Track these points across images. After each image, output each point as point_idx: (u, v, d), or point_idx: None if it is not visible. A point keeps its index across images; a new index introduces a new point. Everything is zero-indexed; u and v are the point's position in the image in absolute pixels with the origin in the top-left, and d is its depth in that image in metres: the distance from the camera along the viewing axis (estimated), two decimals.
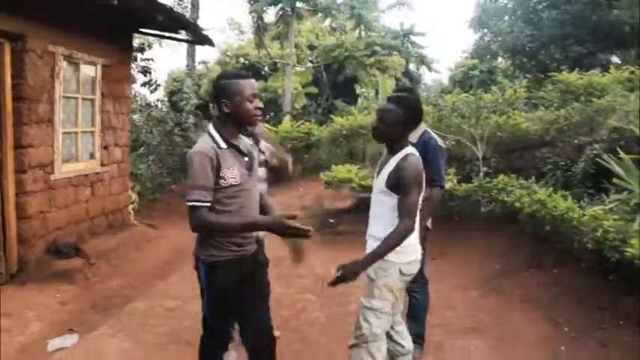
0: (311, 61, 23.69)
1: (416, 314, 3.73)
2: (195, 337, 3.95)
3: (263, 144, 4.05)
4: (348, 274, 2.71)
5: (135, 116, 10.57)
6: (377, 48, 21.88)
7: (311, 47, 23.53)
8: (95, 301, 5.19)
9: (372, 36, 23.54)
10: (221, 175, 2.47)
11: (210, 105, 17.51)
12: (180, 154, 11.46)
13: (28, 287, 5.02)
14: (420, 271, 3.10)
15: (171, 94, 20.07)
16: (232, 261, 2.59)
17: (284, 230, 2.44)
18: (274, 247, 3.51)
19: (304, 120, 14.40)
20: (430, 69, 26.92)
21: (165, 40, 10.24)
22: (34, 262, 5.39)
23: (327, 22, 25.24)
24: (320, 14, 22.16)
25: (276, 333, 3.00)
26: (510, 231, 6.17)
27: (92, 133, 6.66)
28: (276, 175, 4.40)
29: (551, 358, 3.86)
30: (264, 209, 2.84)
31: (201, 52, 68.46)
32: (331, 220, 7.93)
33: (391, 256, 2.74)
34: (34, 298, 4.81)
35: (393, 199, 2.79)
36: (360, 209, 7.43)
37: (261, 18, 19.72)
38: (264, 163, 4.02)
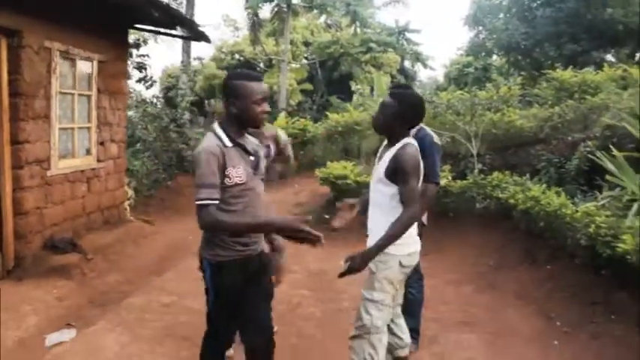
0: (306, 58, 23.69)
1: (411, 309, 3.76)
2: (191, 331, 4.02)
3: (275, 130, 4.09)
4: (356, 265, 2.74)
5: (130, 112, 10.53)
6: (372, 45, 21.89)
7: (306, 44, 23.53)
8: (92, 296, 5.19)
9: (368, 33, 23.52)
10: (226, 173, 2.46)
11: (206, 102, 17.52)
12: (176, 151, 11.47)
13: (25, 283, 5.02)
14: (415, 267, 3.14)
15: (166, 90, 20.03)
16: (238, 261, 2.58)
17: (296, 233, 2.38)
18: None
19: (299, 116, 14.42)
20: (425, 66, 26.93)
21: (161, 36, 10.23)
22: (31, 258, 5.39)
23: (323, 18, 25.19)
24: (315, 11, 22.15)
25: (274, 328, 3.02)
26: (504, 227, 6.23)
27: (88, 129, 6.66)
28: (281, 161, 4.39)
29: (544, 353, 3.91)
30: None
31: (197, 48, 68.17)
32: (326, 216, 7.96)
33: (391, 249, 2.77)
34: (31, 294, 4.82)
35: (391, 188, 2.82)
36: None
37: (256, 14, 19.70)
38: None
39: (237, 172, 2.49)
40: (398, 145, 2.85)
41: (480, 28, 18.78)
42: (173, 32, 8.44)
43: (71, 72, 6.20)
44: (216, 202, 2.41)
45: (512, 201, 5.84)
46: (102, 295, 5.27)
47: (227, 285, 2.60)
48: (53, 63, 5.70)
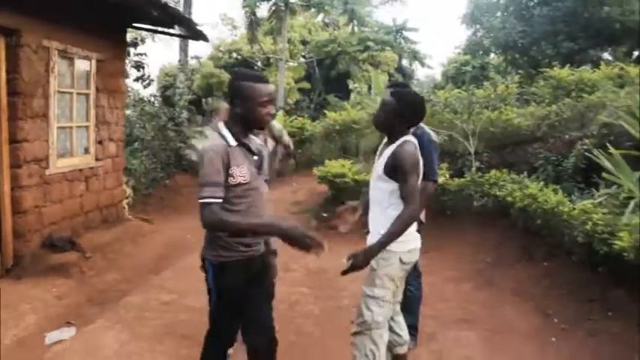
0: (304, 57, 23.67)
1: (409, 306, 3.77)
2: (190, 330, 4.04)
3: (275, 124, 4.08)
4: (358, 263, 2.77)
5: (128, 111, 10.53)
6: (370, 43, 21.87)
7: (304, 42, 23.50)
8: (91, 294, 5.21)
9: (365, 31, 23.48)
10: (230, 172, 2.45)
11: (203, 100, 17.49)
12: (174, 149, 11.47)
13: (24, 281, 5.03)
14: (414, 264, 3.16)
15: (163, 88, 20.00)
16: (240, 262, 2.58)
17: (300, 238, 2.35)
18: None
19: (297, 115, 14.44)
20: (423, 64, 26.91)
21: (159, 34, 10.22)
22: (30, 257, 5.40)
23: (320, 17, 25.18)
24: (313, 9, 22.11)
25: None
26: (502, 225, 6.25)
27: (87, 127, 6.66)
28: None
29: (542, 349, 3.93)
30: None
31: (194, 47, 68.14)
32: (324, 215, 7.98)
33: (392, 246, 2.79)
34: (30, 292, 4.83)
35: (390, 185, 2.85)
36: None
37: (254, 13, 19.66)
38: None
39: (241, 172, 2.49)
40: (397, 143, 2.86)
41: (478, 26, 18.82)
42: (171, 31, 8.45)
43: (69, 71, 6.20)
44: (220, 200, 2.39)
45: (509, 199, 5.87)
46: (101, 293, 5.28)
47: (229, 285, 2.60)
48: (51, 62, 5.70)
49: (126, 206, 8.00)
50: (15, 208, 5.29)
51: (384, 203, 2.90)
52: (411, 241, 2.92)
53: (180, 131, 12.15)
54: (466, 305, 4.83)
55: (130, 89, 11.72)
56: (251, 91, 2.49)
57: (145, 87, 13.75)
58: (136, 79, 13.13)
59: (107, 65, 6.94)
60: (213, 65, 21.55)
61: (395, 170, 2.81)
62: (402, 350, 3.20)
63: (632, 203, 4.66)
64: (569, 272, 4.85)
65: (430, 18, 52.31)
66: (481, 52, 20.47)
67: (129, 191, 8.52)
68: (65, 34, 5.91)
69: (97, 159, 6.88)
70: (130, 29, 8.21)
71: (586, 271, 4.68)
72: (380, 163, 2.93)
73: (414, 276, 3.66)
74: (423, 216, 3.71)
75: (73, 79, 6.26)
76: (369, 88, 17.63)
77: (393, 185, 2.84)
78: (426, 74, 31.56)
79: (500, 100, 8.83)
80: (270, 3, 19.36)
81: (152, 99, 13.47)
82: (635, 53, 15.56)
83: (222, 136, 2.51)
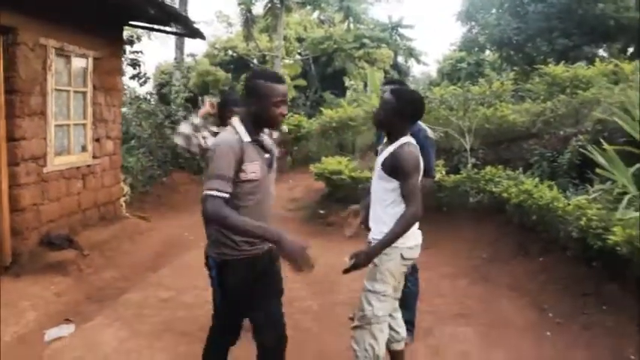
0: (299, 54, 23.62)
1: (406, 302, 3.81)
2: (189, 326, 4.07)
3: None
4: (361, 262, 2.80)
5: (124, 109, 10.52)
6: (365, 40, 21.86)
7: (299, 40, 23.46)
8: (90, 292, 5.23)
9: (361, 28, 23.50)
10: (242, 168, 2.43)
11: (199, 98, 17.46)
12: (171, 147, 11.45)
13: (23, 279, 5.05)
14: None
15: (159, 86, 19.95)
16: (244, 260, 2.56)
17: (296, 256, 2.32)
18: None
19: (293, 112, 14.43)
20: (418, 61, 26.95)
21: (154, 32, 10.22)
22: (28, 254, 5.42)
23: (316, 14, 25.18)
24: (308, 6, 22.12)
25: None
26: (498, 221, 6.29)
27: (84, 125, 6.67)
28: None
29: (538, 343, 3.98)
30: None
31: (190, 44, 67.96)
32: (321, 211, 8.01)
33: None
34: (29, 290, 4.84)
35: (391, 183, 2.88)
36: (350, 200, 7.53)
37: (249, 10, 19.63)
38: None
39: (253, 168, 2.48)
40: (397, 144, 2.89)
41: (473, 23, 18.84)
42: (168, 29, 8.44)
43: (66, 69, 6.21)
44: (227, 196, 2.36)
45: (505, 195, 5.90)
46: (99, 290, 5.30)
47: (233, 284, 2.59)
48: (48, 60, 5.71)
49: (123, 204, 8.01)
50: (13, 206, 5.30)
51: (385, 201, 2.93)
52: (412, 237, 2.96)
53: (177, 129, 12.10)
54: (462, 300, 4.87)
55: (126, 87, 11.70)
56: (266, 89, 2.47)
57: (141, 85, 13.76)
58: (132, 77, 13.12)
59: (104, 63, 6.95)
60: (208, 63, 21.49)
61: (395, 171, 2.84)
62: (399, 346, 3.23)
63: (625, 198, 4.70)
64: (564, 267, 4.90)
65: (425, 15, 52.37)
66: (476, 49, 20.49)
67: (126, 189, 8.52)
68: (62, 32, 5.92)
69: (94, 157, 6.89)
70: (126, 27, 8.21)
71: (581, 265, 4.73)
72: (379, 162, 2.96)
73: (410, 271, 3.69)
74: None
75: (70, 77, 6.27)
76: (365, 85, 17.67)
77: (393, 184, 2.87)
78: (421, 71, 31.68)
79: (495, 96, 8.87)
80: (266, 0, 19.34)
81: (148, 97, 13.47)
82: (630, 50, 15.63)
83: (237, 132, 2.50)
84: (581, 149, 6.27)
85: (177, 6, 14.81)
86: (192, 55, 22.99)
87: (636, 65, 8.87)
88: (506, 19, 16.13)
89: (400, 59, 26.59)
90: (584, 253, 4.66)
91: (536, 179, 5.90)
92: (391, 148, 2.90)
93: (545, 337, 4.06)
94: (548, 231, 5.31)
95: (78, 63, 6.43)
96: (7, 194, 5.23)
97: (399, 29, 25.87)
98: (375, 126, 3.39)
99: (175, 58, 17.04)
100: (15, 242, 5.32)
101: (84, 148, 6.72)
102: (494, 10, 17.70)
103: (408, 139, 2.93)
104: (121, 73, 8.55)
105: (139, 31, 12.04)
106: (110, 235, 6.68)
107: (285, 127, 4.35)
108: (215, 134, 3.84)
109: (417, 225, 3.01)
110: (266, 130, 2.67)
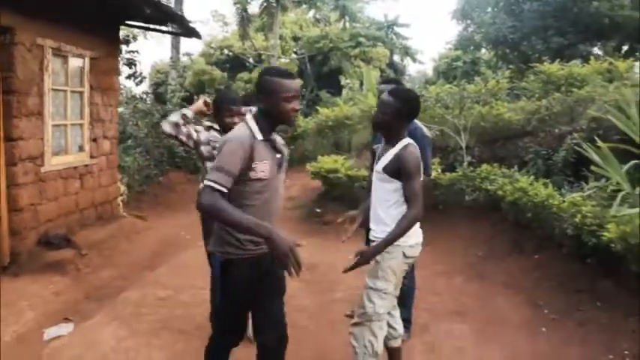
0: (295, 53, 23.63)
1: (403, 299, 3.84)
2: (187, 325, 4.09)
3: None
4: (363, 260, 2.84)
5: (121, 109, 10.53)
6: (361, 39, 21.87)
7: (295, 39, 23.47)
8: (88, 291, 5.25)
9: (357, 27, 23.52)
10: (252, 166, 2.41)
11: (195, 97, 17.46)
12: (167, 147, 11.47)
13: (21, 278, 5.07)
14: None
15: (155, 86, 19.95)
16: (248, 259, 2.54)
17: (286, 255, 2.28)
18: None
19: None
20: (414, 60, 27.03)
21: (150, 32, 10.22)
22: (26, 254, 5.44)
23: (312, 13, 25.18)
24: (304, 5, 22.12)
25: None
26: (493, 218, 6.32)
27: (81, 125, 6.69)
28: None
29: (533, 340, 4.02)
30: None
31: (186, 43, 67.84)
32: (318, 210, 8.03)
33: None
34: (28, 289, 4.86)
35: (392, 184, 2.92)
36: (346, 199, 7.56)
37: (245, 9, 19.63)
38: None
39: (263, 167, 2.46)
40: (399, 146, 2.93)
41: (468, 22, 18.88)
42: (164, 28, 8.45)
43: (63, 69, 6.23)
44: (224, 190, 2.31)
45: (500, 192, 5.93)
46: (97, 289, 5.32)
47: (236, 283, 2.58)
48: (45, 60, 5.72)
49: (120, 203, 8.03)
50: (11, 206, 5.32)
51: (387, 202, 2.97)
52: (413, 236, 2.99)
53: None
54: (458, 298, 4.90)
55: (122, 87, 11.71)
56: (275, 85, 2.46)
57: (137, 84, 13.79)
58: (128, 77, 13.15)
59: (100, 63, 6.96)
60: (204, 62, 21.51)
61: (399, 173, 2.88)
62: (396, 344, 3.26)
63: (619, 196, 4.74)
64: (559, 264, 4.94)
65: (421, 14, 52.44)
66: (472, 48, 20.56)
67: (123, 188, 8.54)
68: (59, 32, 5.93)
69: (91, 156, 6.90)
70: (122, 27, 8.22)
71: (575, 262, 4.77)
72: (381, 164, 2.99)
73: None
74: None
75: (67, 77, 6.29)
76: (361, 83, 17.67)
77: (396, 184, 2.91)
78: (417, 70, 31.69)
79: (491, 94, 8.88)
80: None
81: (144, 96, 13.47)
82: (624, 48, 15.70)
83: (250, 129, 2.48)
84: (575, 147, 6.30)
85: (172, 5, 14.79)
86: (188, 55, 23.04)
87: (630, 63, 8.92)
88: (501, 17, 16.18)
89: (396, 58, 26.65)
90: (579, 250, 4.71)
91: (532, 177, 5.94)
92: (394, 151, 2.93)
93: (540, 333, 4.10)
94: (543, 228, 5.34)
95: (75, 63, 6.45)
96: (5, 194, 5.25)
97: (395, 28, 25.92)
98: (374, 129, 3.39)
99: (171, 58, 17.04)
100: (13, 242, 5.34)
101: (81, 148, 6.74)
102: (489, 9, 17.75)
103: (408, 140, 2.97)
104: (118, 72, 8.56)
105: (135, 30, 12.06)
106: (108, 235, 6.70)
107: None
108: (208, 128, 3.85)
109: (418, 223, 3.04)
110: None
